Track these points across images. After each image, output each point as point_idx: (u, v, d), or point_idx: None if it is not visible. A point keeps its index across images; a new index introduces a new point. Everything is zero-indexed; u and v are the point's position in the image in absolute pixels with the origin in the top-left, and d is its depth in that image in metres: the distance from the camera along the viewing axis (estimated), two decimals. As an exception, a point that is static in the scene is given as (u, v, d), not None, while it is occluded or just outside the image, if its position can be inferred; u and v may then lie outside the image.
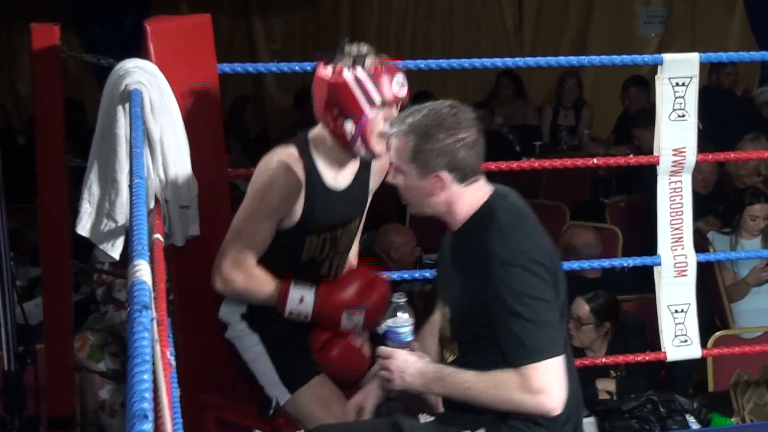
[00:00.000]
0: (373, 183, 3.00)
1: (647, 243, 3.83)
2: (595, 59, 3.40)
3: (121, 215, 2.79)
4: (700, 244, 4.57)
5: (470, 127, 2.43)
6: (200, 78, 3.04)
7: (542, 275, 2.36)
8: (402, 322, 2.53)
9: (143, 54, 2.92)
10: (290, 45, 8.31)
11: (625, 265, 3.67)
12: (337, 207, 2.87)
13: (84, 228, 2.85)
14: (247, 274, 2.74)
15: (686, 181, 3.45)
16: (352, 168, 2.90)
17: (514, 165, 3.61)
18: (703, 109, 3.46)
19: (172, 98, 2.84)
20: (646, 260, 3.55)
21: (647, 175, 3.82)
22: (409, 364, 2.48)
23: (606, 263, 3.72)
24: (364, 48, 2.75)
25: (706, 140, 5.04)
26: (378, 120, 2.73)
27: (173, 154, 2.84)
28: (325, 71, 2.74)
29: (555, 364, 2.34)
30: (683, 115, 3.37)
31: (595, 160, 3.77)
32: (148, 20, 2.99)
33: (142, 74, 2.76)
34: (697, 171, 3.81)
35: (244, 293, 2.80)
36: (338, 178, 2.88)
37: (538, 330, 2.32)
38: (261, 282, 2.75)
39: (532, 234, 2.42)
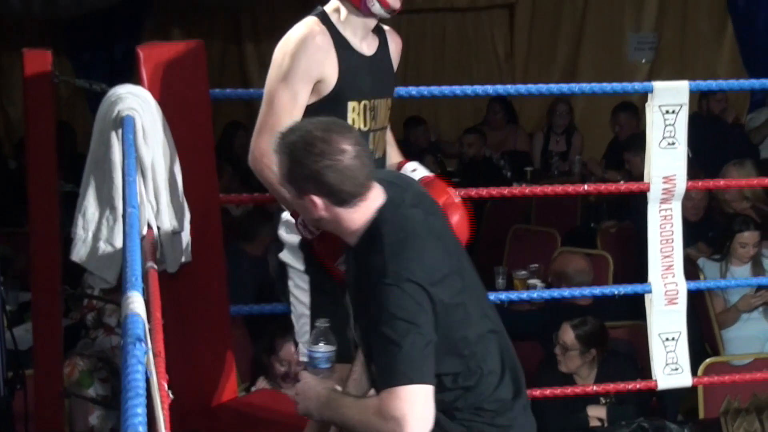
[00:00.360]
0: (395, 61, 2.93)
1: (638, 269, 3.84)
2: (586, 87, 3.42)
3: (119, 240, 2.78)
4: (691, 270, 4.58)
5: (341, 152, 2.27)
6: (192, 104, 3.05)
7: (417, 298, 2.23)
8: (319, 348, 2.46)
9: (135, 80, 2.93)
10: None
11: (616, 293, 3.67)
12: (371, 74, 2.80)
13: (78, 254, 2.84)
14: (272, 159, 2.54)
15: (676, 208, 3.47)
16: (373, 41, 2.84)
17: (506, 191, 3.62)
18: (693, 136, 3.48)
19: (165, 124, 2.85)
20: (637, 288, 3.56)
21: (638, 202, 3.83)
22: (309, 387, 2.40)
23: (597, 291, 3.73)
24: None
25: (697, 167, 5.08)
26: None
27: (166, 180, 2.84)
28: None
29: (416, 392, 2.20)
30: (673, 143, 3.38)
31: (585, 187, 3.79)
32: (140, 46, 2.99)
33: (134, 100, 2.76)
34: (687, 198, 3.83)
35: (264, 181, 2.69)
36: (363, 46, 2.81)
37: (400, 354, 2.20)
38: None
39: (416, 251, 2.28)
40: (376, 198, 2.34)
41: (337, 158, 2.27)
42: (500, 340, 2.43)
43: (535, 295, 4.01)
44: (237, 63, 8.29)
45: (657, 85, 3.40)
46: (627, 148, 6.43)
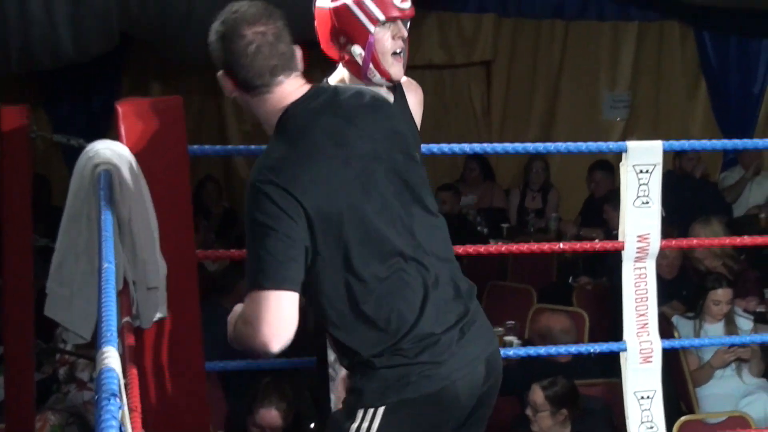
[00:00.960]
0: (415, 113, 2.86)
1: (614, 326, 3.85)
2: (561, 146, 3.44)
3: (94, 296, 2.77)
4: (665, 328, 4.60)
5: (240, 37, 2.30)
6: (170, 159, 3.05)
7: (279, 201, 2.20)
8: None
9: (114, 134, 2.93)
10: (260, 126, 8.34)
11: (591, 351, 3.68)
12: None
13: (52, 309, 2.83)
14: None
15: (650, 267, 3.48)
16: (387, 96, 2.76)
17: (482, 249, 3.63)
18: (667, 194, 3.51)
19: (142, 179, 2.84)
20: (612, 346, 3.56)
21: (613, 259, 3.85)
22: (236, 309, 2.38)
23: (573, 349, 3.73)
24: None
25: (670, 225, 5.11)
26: (385, 39, 2.67)
27: (142, 235, 2.84)
28: (324, 2, 2.69)
29: (271, 297, 2.18)
30: (647, 202, 3.41)
31: (561, 245, 3.81)
32: (119, 101, 3.00)
33: (112, 155, 2.76)
34: (662, 256, 3.86)
35: None
36: None
37: (258, 259, 2.19)
38: None
39: (298, 157, 2.25)
40: (287, 95, 2.33)
41: (246, 35, 2.29)
42: (421, 270, 2.30)
43: (511, 353, 4.01)
44: (215, 117, 8.31)
45: (631, 144, 3.43)
46: (607, 200, 6.49)
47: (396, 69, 2.69)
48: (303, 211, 2.21)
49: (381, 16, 2.65)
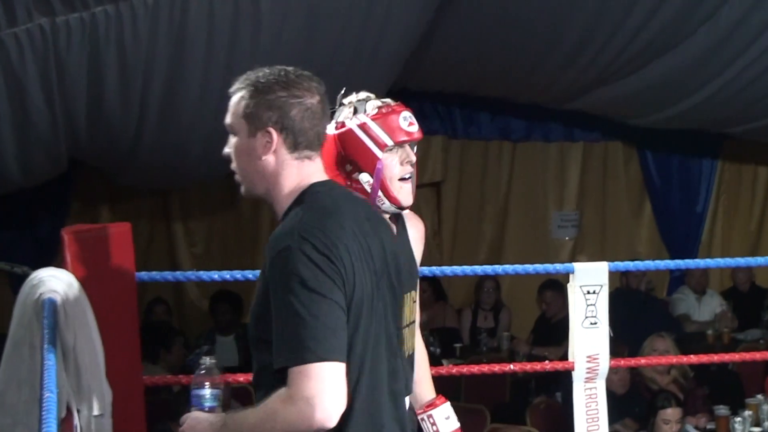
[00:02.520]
0: (416, 249, 2.73)
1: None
2: (509, 268, 3.49)
3: (37, 426, 2.71)
4: (619, 448, 4.58)
5: (313, 94, 2.20)
6: (117, 286, 3.04)
7: (325, 268, 2.06)
8: (204, 386, 2.24)
9: (59, 261, 2.92)
10: (211, 247, 8.35)
11: (544, 472, 3.65)
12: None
13: (-8, 440, 2.77)
14: None
15: (600, 387, 3.50)
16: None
17: (433, 371, 3.61)
18: (616, 310, 3.54)
19: (88, 306, 2.83)
20: (565, 466, 3.54)
21: (565, 378, 3.86)
22: (200, 419, 2.18)
23: (525, 470, 3.70)
24: (363, 94, 2.62)
25: (620, 341, 5.15)
26: (394, 164, 2.56)
27: (87, 362, 2.80)
28: (328, 128, 2.52)
29: (327, 370, 2.01)
30: (595, 322, 3.44)
31: (512, 366, 3.81)
32: (65, 228, 3.00)
33: (57, 283, 2.75)
34: (613, 372, 3.88)
35: None
36: None
37: (306, 327, 2.01)
38: None
39: (335, 226, 2.12)
40: (318, 170, 2.24)
41: (306, 97, 2.19)
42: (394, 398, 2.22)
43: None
44: (165, 241, 8.28)
45: (578, 266, 3.48)
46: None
47: (405, 195, 2.58)
48: (343, 283, 2.09)
49: (389, 141, 2.55)
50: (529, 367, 4.06)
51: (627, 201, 9.22)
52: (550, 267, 3.58)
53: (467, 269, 3.49)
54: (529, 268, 3.52)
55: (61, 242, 2.94)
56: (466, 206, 9.07)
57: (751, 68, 6.23)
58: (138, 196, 7.83)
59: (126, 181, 6.54)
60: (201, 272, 3.45)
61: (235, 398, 5.55)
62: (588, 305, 3.43)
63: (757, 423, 5.59)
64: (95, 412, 2.82)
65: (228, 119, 2.23)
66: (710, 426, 5.70)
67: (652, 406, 5.22)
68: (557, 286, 7.39)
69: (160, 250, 8.19)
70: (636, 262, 3.71)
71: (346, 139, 2.56)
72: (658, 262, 3.88)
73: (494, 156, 9.00)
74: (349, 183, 2.57)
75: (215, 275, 3.31)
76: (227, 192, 7.96)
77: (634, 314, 6.99)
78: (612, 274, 3.45)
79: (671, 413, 5.09)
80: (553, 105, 7.74)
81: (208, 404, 2.21)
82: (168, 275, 3.41)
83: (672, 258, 8.25)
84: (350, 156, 2.56)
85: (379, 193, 2.56)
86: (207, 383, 2.22)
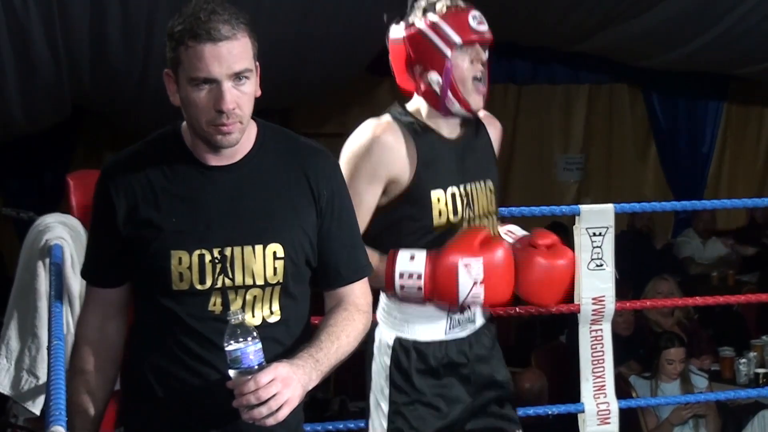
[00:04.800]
0: (495, 144, 2.72)
1: (573, 388, 3.84)
2: (515, 210, 3.46)
3: (42, 371, 2.73)
4: (623, 389, 4.61)
5: None
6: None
7: None
8: (242, 342, 1.94)
9: (65, 208, 2.91)
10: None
11: (549, 413, 3.67)
12: (460, 157, 2.58)
13: (1, 384, 2.79)
14: None
15: (606, 329, 3.49)
16: (462, 125, 2.62)
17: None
18: (623, 253, 3.53)
19: (94, 252, 2.82)
20: (570, 408, 3.55)
21: (571, 321, 3.86)
22: (287, 373, 1.92)
23: (531, 411, 3.71)
24: None
25: (625, 284, 5.15)
26: (464, 64, 2.50)
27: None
28: (398, 30, 2.53)
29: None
30: (601, 265, 3.43)
31: (517, 309, 3.80)
32: (69, 174, 2.98)
33: (63, 229, 2.74)
34: (618, 314, 3.86)
35: None
36: (446, 131, 2.58)
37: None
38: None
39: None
40: None
41: None
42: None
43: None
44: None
45: (583, 208, 3.45)
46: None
47: (475, 98, 2.52)
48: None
49: (458, 40, 2.48)
50: (534, 309, 4.05)
51: (632, 143, 9.20)
52: (555, 209, 3.55)
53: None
54: (535, 210, 3.50)
55: (66, 188, 2.92)
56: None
57: (759, 8, 6.16)
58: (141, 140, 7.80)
59: (130, 126, 6.52)
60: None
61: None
62: (594, 247, 3.41)
63: (761, 364, 5.62)
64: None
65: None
66: (714, 367, 5.73)
67: (655, 346, 5.25)
68: (562, 230, 7.39)
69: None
70: (642, 204, 3.68)
71: (415, 39, 2.51)
72: (664, 203, 3.86)
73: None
74: (419, 85, 2.53)
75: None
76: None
77: (640, 257, 6.99)
78: (618, 218, 3.44)
79: (674, 353, 5.12)
80: (560, 47, 7.68)
81: (257, 361, 1.96)
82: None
83: (677, 200, 8.23)
84: (419, 57, 2.51)
85: (449, 94, 2.51)
86: (248, 339, 1.96)
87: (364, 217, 2.46)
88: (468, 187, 2.58)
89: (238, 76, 1.98)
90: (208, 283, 2.02)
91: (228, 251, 2.02)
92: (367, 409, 2.65)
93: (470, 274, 2.47)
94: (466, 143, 2.62)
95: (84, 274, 2.18)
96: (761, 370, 5.54)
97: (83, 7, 4.71)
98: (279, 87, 6.22)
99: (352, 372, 3.06)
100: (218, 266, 2.02)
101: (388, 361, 2.58)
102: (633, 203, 3.63)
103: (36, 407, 2.79)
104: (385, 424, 2.57)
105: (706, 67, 7.62)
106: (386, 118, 2.55)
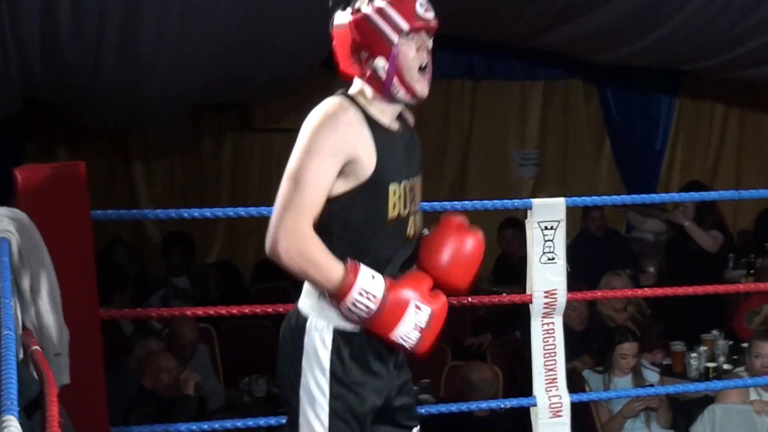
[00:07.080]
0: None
1: (526, 382, 3.87)
2: (468, 204, 3.48)
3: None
4: (576, 383, 4.65)
5: None
6: (72, 224, 3.01)
7: None
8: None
9: (13, 202, 2.89)
10: (171, 188, 8.30)
11: (502, 406, 3.69)
12: (404, 153, 2.61)
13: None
14: (309, 237, 2.42)
15: (558, 323, 3.53)
16: (399, 121, 2.65)
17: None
18: (580, 252, 3.56)
19: (43, 246, 2.80)
20: (522, 401, 3.58)
21: (524, 316, 3.89)
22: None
23: (484, 405, 3.75)
24: None
25: (579, 279, 5.19)
26: (410, 51, 2.51)
27: (44, 302, 2.78)
28: (343, 16, 2.53)
29: None
30: (553, 258, 3.46)
31: (470, 299, 3.81)
32: (17, 168, 2.96)
33: (9, 223, 2.71)
34: (571, 308, 3.92)
35: (301, 261, 2.43)
36: (392, 125, 2.61)
37: None
38: (324, 251, 2.43)
39: None
40: None
41: None
42: None
43: (423, 410, 3.99)
44: (124, 182, 8.22)
45: (535, 201, 3.49)
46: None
47: (421, 85, 2.54)
48: None
49: (405, 26, 2.50)
50: (487, 300, 4.09)
51: (587, 139, 9.27)
52: (508, 203, 3.58)
53: (425, 205, 3.48)
54: (488, 204, 3.52)
55: (14, 182, 2.90)
56: (427, 145, 9.05)
57: (712, 3, 6.22)
58: (97, 137, 7.75)
59: (84, 119, 6.46)
60: (158, 210, 3.43)
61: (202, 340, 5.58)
62: (546, 241, 3.45)
63: (712, 358, 5.69)
64: (54, 351, 2.81)
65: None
66: (666, 361, 5.80)
67: (609, 340, 5.30)
68: (517, 225, 7.43)
69: (120, 189, 8.14)
70: (593, 198, 3.72)
71: (361, 24, 2.51)
72: (614, 197, 3.90)
73: (456, 94, 8.98)
74: (364, 71, 2.53)
75: (172, 213, 3.29)
76: (188, 132, 7.90)
77: (595, 256, 7.04)
78: (575, 218, 3.47)
79: (628, 347, 5.17)
80: (517, 42, 7.71)
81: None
82: (124, 213, 3.38)
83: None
84: (365, 42, 2.51)
85: (395, 80, 2.52)
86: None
87: (324, 192, 2.47)
88: (413, 182, 2.63)
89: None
90: None
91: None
92: (295, 405, 2.58)
93: (416, 317, 2.50)
94: (407, 137, 2.66)
95: None
96: (711, 365, 5.62)
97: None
98: (236, 83, 6.21)
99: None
100: None
101: (327, 353, 2.56)
102: (584, 197, 3.67)
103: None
104: (325, 421, 2.56)
105: (658, 64, 7.68)
106: (340, 99, 2.54)
